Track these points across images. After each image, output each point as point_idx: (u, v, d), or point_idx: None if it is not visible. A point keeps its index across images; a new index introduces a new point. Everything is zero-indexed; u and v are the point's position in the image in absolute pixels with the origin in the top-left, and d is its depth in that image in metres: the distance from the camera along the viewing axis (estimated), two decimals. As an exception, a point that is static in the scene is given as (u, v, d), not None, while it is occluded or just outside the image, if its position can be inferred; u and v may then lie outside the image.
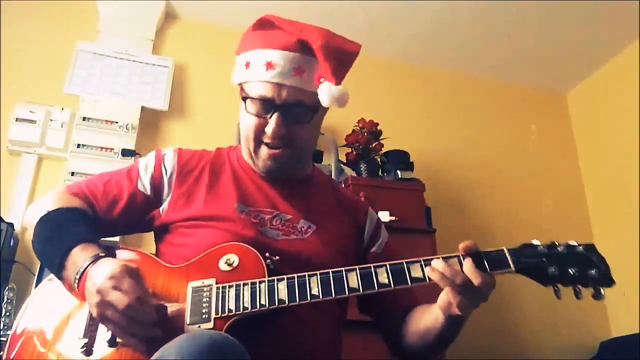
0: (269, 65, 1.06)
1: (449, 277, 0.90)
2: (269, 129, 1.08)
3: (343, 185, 2.45)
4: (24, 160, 2.54)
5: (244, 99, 1.11)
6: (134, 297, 0.85)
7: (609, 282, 0.90)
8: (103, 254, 0.94)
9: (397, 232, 2.20)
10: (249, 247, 0.98)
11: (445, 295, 0.93)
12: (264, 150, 1.12)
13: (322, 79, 1.06)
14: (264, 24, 1.14)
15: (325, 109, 1.15)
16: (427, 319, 1.04)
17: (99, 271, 0.88)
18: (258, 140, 1.12)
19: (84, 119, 2.63)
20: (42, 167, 2.59)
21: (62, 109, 2.63)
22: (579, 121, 3.57)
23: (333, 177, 2.58)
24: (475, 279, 0.89)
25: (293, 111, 1.08)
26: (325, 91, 1.05)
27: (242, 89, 1.15)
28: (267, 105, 1.08)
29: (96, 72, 2.72)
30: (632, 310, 2.68)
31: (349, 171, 2.69)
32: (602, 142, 3.34)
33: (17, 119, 2.53)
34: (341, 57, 1.08)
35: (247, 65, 1.11)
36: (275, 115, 1.07)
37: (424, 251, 2.37)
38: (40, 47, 2.77)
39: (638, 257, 2.73)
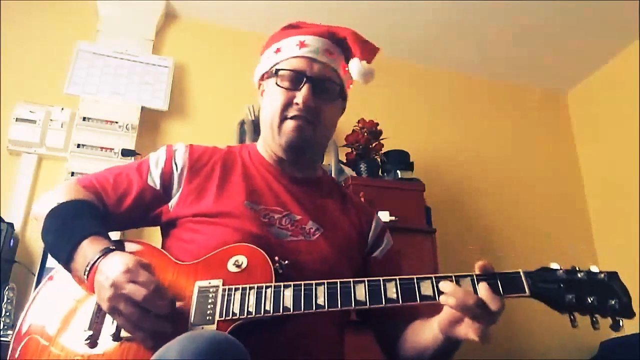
0: (302, 44, 1.15)
1: (465, 303, 0.85)
2: (299, 99, 1.11)
3: (343, 185, 2.45)
4: (24, 160, 2.54)
5: (276, 71, 1.15)
6: (152, 288, 0.85)
7: (630, 314, 0.85)
8: (113, 248, 0.94)
9: (397, 232, 2.19)
10: (259, 249, 0.98)
11: (449, 317, 0.90)
12: (289, 124, 1.13)
13: (350, 60, 1.16)
14: (294, 26, 1.22)
15: (343, 106, 1.24)
16: (425, 336, 1.01)
17: (112, 265, 0.88)
18: (284, 115, 1.13)
19: (84, 119, 2.62)
20: (42, 167, 2.58)
21: (62, 109, 2.63)
22: (579, 121, 3.58)
23: (333, 177, 2.59)
24: (493, 305, 0.85)
25: (322, 86, 1.14)
26: (356, 66, 1.15)
27: (264, 79, 1.21)
28: (298, 77, 1.13)
29: (96, 72, 2.71)
30: (632, 310, 2.68)
31: (349, 171, 2.69)
32: (602, 141, 3.35)
33: (17, 119, 2.52)
34: (366, 44, 1.18)
35: (278, 50, 1.18)
36: (306, 86, 1.12)
37: (424, 251, 2.38)
38: (40, 47, 2.77)
39: (638, 257, 2.73)
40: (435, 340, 0.97)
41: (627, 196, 3.02)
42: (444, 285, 0.88)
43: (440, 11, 2.99)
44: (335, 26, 1.20)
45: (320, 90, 1.13)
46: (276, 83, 1.15)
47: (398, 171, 2.67)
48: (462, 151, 3.30)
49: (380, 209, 2.34)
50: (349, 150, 2.76)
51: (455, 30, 3.16)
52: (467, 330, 0.88)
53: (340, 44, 1.18)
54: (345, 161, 2.76)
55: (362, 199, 2.34)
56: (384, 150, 2.75)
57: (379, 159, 2.74)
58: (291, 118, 1.12)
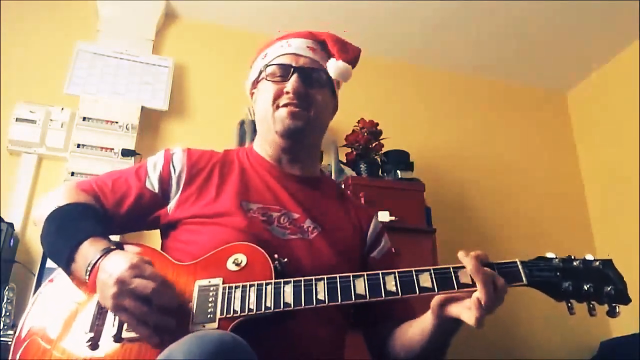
0: (287, 44, 1.22)
1: (488, 277, 0.86)
2: (289, 87, 1.15)
3: (343, 185, 2.46)
4: (24, 160, 2.54)
5: (265, 67, 1.21)
6: (159, 281, 0.87)
7: (625, 299, 0.87)
8: (114, 247, 0.94)
9: (397, 232, 2.20)
10: (258, 247, 0.98)
11: (442, 297, 0.91)
12: (282, 111, 1.16)
13: (329, 61, 1.21)
14: (279, 37, 1.27)
15: (335, 103, 1.28)
16: (414, 330, 1.02)
17: (115, 263, 0.89)
18: (276, 104, 1.17)
19: (84, 119, 2.63)
20: (42, 167, 2.59)
21: (62, 109, 2.63)
22: (579, 121, 3.58)
23: (333, 177, 2.58)
24: (498, 280, 0.87)
25: (310, 75, 1.18)
26: (333, 65, 1.19)
27: (255, 87, 1.26)
28: (286, 69, 1.18)
29: (96, 72, 2.72)
30: (632, 310, 2.68)
31: (349, 171, 2.69)
32: (602, 141, 3.35)
33: (17, 119, 2.53)
34: (345, 45, 1.23)
35: (265, 55, 1.24)
36: (294, 75, 1.16)
37: (424, 251, 2.38)
38: (40, 47, 2.77)
39: (638, 257, 2.73)
40: (424, 332, 0.99)
41: (627, 196, 3.02)
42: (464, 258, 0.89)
43: (440, 11, 3.00)
44: (315, 31, 1.26)
45: (309, 79, 1.18)
46: (266, 78, 1.20)
47: (398, 171, 2.67)
48: (462, 151, 3.30)
49: (380, 209, 2.34)
50: (349, 150, 2.76)
51: (455, 30, 3.16)
52: (468, 313, 0.88)
53: (322, 46, 1.23)
54: (345, 161, 2.76)
55: (362, 199, 2.34)
56: (384, 150, 2.75)
57: (379, 159, 2.74)
58: (284, 106, 1.16)
